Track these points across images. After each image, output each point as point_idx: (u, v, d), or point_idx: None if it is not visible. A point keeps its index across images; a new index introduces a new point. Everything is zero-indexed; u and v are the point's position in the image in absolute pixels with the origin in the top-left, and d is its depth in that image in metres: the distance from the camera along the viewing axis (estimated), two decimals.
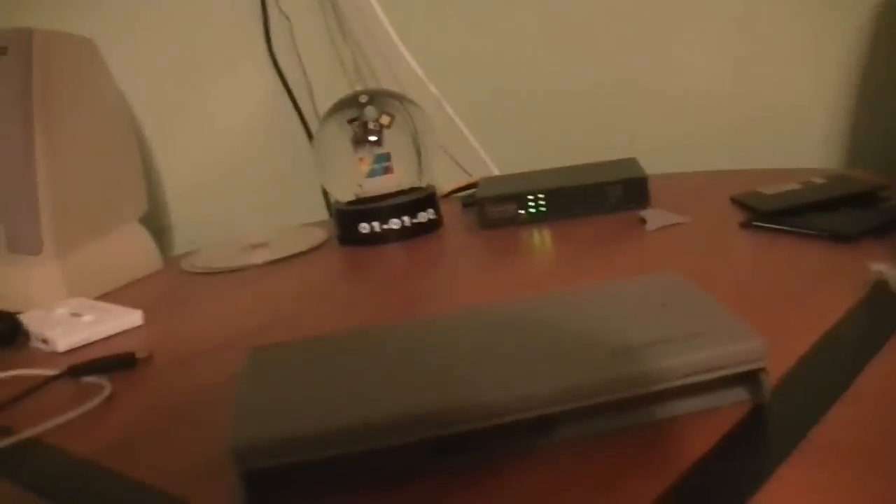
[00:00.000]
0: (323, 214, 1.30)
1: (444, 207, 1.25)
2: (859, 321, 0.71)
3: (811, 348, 0.67)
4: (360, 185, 1.22)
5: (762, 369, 0.59)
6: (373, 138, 1.21)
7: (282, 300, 1.02)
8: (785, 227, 0.96)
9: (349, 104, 1.22)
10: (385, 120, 1.22)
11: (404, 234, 1.18)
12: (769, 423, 0.58)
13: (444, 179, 1.40)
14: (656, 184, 1.19)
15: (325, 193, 1.42)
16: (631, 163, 1.24)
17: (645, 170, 1.20)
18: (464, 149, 1.44)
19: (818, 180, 1.09)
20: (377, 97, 1.23)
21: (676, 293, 0.68)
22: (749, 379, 0.60)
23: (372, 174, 1.22)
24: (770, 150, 1.33)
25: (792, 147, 1.32)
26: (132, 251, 1.21)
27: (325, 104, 1.40)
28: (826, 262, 0.86)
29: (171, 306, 1.06)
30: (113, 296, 1.13)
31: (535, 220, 1.17)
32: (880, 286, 0.77)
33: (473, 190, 1.30)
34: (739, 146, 1.35)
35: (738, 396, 0.61)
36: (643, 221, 1.08)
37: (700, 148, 1.37)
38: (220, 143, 1.45)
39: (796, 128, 1.31)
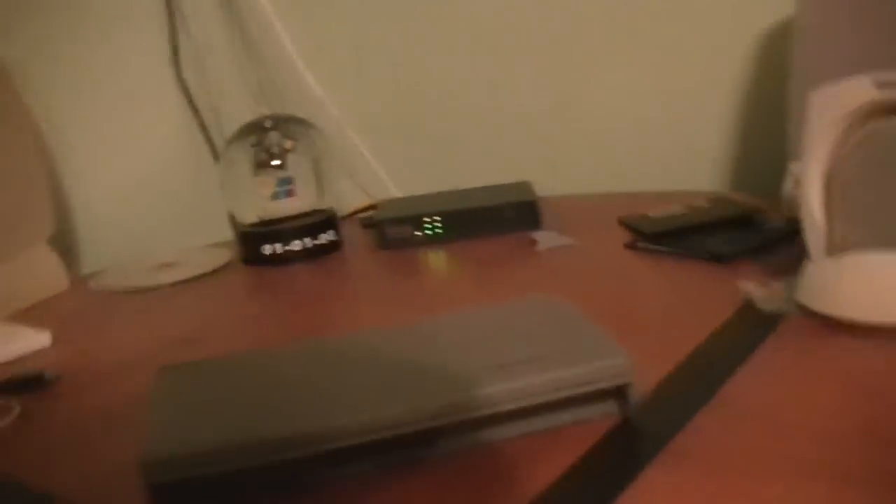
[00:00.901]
0: (229, 234, 1.33)
1: (345, 228, 1.29)
2: (726, 337, 0.77)
3: (680, 363, 0.72)
4: (264, 208, 1.25)
5: (628, 384, 0.64)
6: (276, 162, 1.25)
7: (189, 320, 1.05)
8: (666, 249, 1.01)
9: (253, 129, 1.25)
10: (288, 144, 1.25)
11: (306, 254, 1.22)
12: (635, 433, 0.63)
13: (346, 201, 1.43)
14: (549, 205, 1.24)
15: (231, 215, 1.45)
16: (524, 186, 1.29)
17: (538, 192, 1.25)
18: (365, 171, 1.48)
19: (701, 203, 1.15)
20: (281, 122, 1.26)
21: (551, 314, 0.73)
22: (617, 393, 0.65)
23: (275, 197, 1.25)
24: (661, 172, 1.39)
25: (682, 170, 1.38)
26: (39, 272, 1.23)
27: (231, 126, 1.43)
28: (703, 282, 0.91)
29: (80, 327, 1.08)
30: (19, 317, 1.15)
31: (433, 240, 1.21)
32: (748, 304, 0.82)
33: (373, 212, 1.34)
34: (632, 169, 1.40)
35: (609, 409, 0.66)
36: (535, 242, 1.12)
37: (595, 171, 1.43)
38: (129, 164, 1.48)
39: (686, 151, 1.37)
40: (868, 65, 1.03)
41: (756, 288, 0.84)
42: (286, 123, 1.27)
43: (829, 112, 0.78)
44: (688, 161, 1.39)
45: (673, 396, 0.67)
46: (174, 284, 1.20)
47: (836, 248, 0.78)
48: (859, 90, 0.77)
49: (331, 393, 0.64)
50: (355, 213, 1.42)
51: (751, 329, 0.78)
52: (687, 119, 1.37)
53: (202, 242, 1.38)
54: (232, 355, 0.74)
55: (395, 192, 1.49)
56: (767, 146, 1.28)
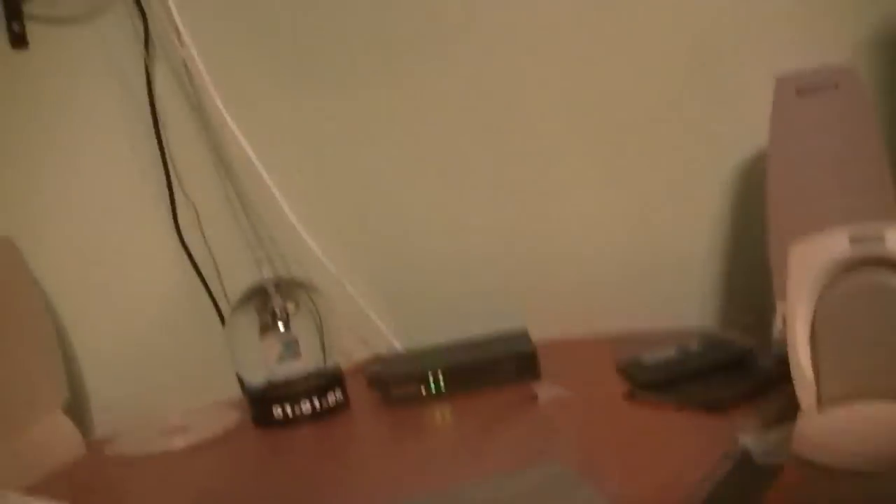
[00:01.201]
0: (236, 391, 1.36)
1: (350, 384, 1.32)
2: (725, 494, 0.80)
3: None
4: (271, 370, 1.28)
5: None
6: (280, 326, 1.28)
7: (206, 485, 1.08)
8: (663, 399, 1.05)
9: (256, 293, 1.30)
10: (291, 307, 1.29)
11: (315, 416, 1.25)
12: None
13: (349, 355, 1.46)
14: (546, 351, 1.27)
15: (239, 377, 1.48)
16: (521, 335, 1.32)
17: (534, 335, 1.30)
18: (364, 324, 1.51)
19: (693, 346, 1.19)
20: (283, 285, 1.31)
21: (559, 486, 0.75)
22: None
23: (281, 360, 1.29)
24: (653, 305, 1.43)
25: (673, 302, 1.42)
26: (56, 440, 1.26)
27: (231, 283, 1.48)
28: (700, 432, 0.95)
29: (99, 496, 1.10)
30: (39, 488, 1.17)
31: (436, 396, 1.24)
32: (745, 456, 0.85)
33: (376, 366, 1.37)
34: (620, 303, 1.44)
35: None
36: (535, 396, 1.16)
37: (588, 304, 1.46)
38: (134, 325, 1.52)
39: (675, 284, 1.41)
40: (840, 190, 1.10)
41: (753, 441, 0.87)
42: (288, 286, 1.32)
43: (807, 267, 0.83)
44: (675, 297, 1.42)
45: None
46: (186, 449, 1.22)
47: (826, 400, 0.82)
48: (834, 245, 0.82)
49: None
50: (359, 367, 1.45)
51: (747, 483, 0.81)
52: (670, 253, 1.42)
53: (211, 400, 1.41)
54: None
55: (396, 342, 1.53)
56: (753, 280, 1.32)
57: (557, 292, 1.48)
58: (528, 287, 1.50)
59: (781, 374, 1.03)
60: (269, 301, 1.29)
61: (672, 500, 0.79)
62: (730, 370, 1.10)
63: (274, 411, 1.25)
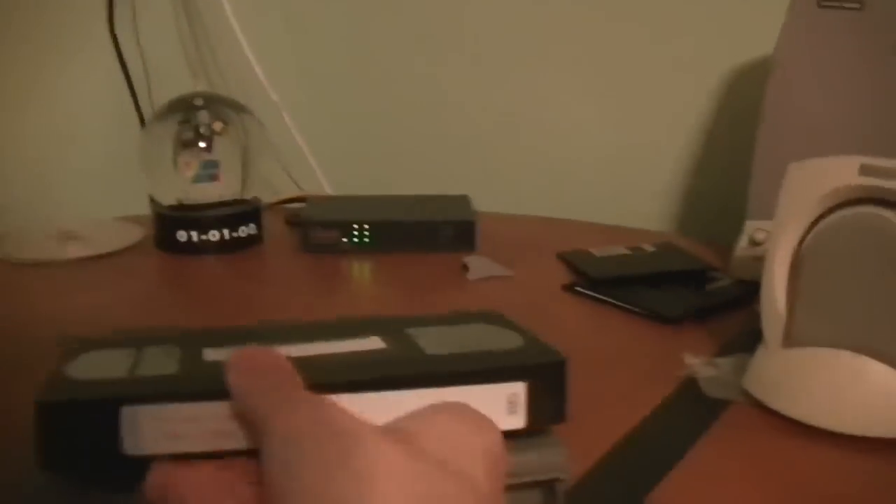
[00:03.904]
0: (145, 208, 1.24)
1: (269, 221, 1.21)
2: (663, 424, 0.70)
3: (611, 452, 0.65)
4: (184, 190, 1.17)
5: (560, 479, 0.57)
6: (202, 144, 1.16)
7: (90, 302, 0.97)
8: (608, 298, 0.94)
9: (183, 105, 1.17)
10: (217, 126, 1.17)
11: (223, 246, 1.14)
12: None
13: (273, 189, 1.35)
14: (487, 224, 1.16)
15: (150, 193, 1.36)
16: (463, 202, 1.21)
17: (477, 207, 1.18)
18: (298, 161, 1.40)
19: (648, 247, 1.09)
20: (213, 101, 1.18)
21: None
22: (544, 485, 0.58)
23: (197, 180, 1.17)
24: (607, 203, 1.33)
25: (630, 203, 1.32)
26: None
27: (161, 94, 1.34)
28: (645, 343, 0.85)
29: None
30: None
31: (359, 249, 1.13)
32: (691, 383, 0.76)
33: (300, 205, 1.26)
34: (577, 195, 1.34)
35: (533, 499, 0.59)
36: (466, 269, 1.06)
37: (538, 192, 1.37)
38: (48, 117, 1.38)
39: (636, 184, 1.32)
40: (844, 121, 0.99)
41: (702, 366, 0.78)
42: (219, 104, 1.19)
43: (806, 190, 0.72)
44: (637, 195, 1.33)
45: (600, 494, 0.61)
46: (77, 260, 1.11)
47: (794, 340, 0.72)
48: (843, 172, 0.71)
49: None
50: (281, 203, 1.34)
51: (692, 417, 0.71)
52: (642, 151, 1.32)
53: (118, 213, 1.29)
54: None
55: (328, 187, 1.42)
56: (724, 195, 1.23)
57: (509, 172, 1.38)
58: (480, 159, 1.40)
59: (739, 297, 0.94)
60: (195, 115, 1.17)
61: (603, 426, 0.69)
62: (684, 282, 0.99)
63: (178, 235, 1.13)
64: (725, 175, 1.24)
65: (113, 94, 1.38)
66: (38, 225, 1.23)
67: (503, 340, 0.60)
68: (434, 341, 0.59)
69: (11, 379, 0.75)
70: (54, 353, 0.60)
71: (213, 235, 1.13)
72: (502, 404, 0.53)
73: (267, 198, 1.26)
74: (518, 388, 0.54)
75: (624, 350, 0.84)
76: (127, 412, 0.48)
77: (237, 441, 0.48)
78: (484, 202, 1.23)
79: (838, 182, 0.71)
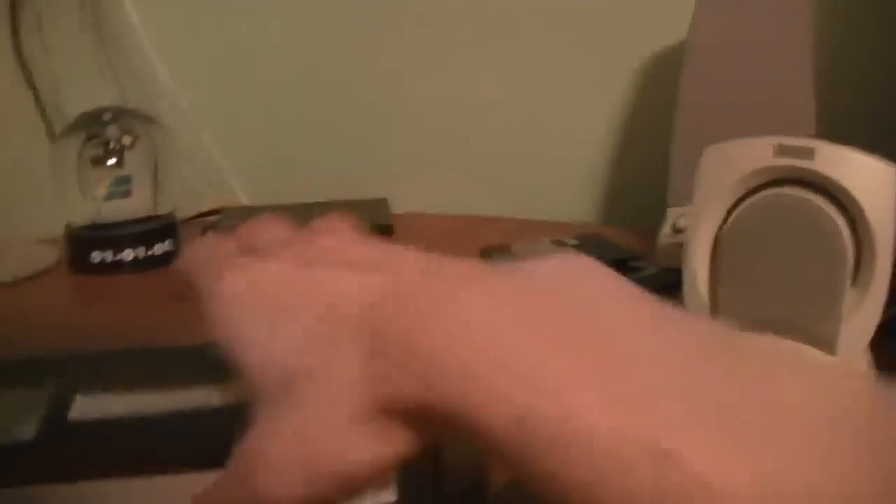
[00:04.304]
0: (56, 229, 1.20)
1: (185, 234, 1.18)
2: None
3: None
4: (97, 209, 1.14)
5: None
6: (113, 160, 1.13)
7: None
8: None
9: (90, 120, 1.14)
10: (127, 140, 1.14)
11: (139, 265, 1.11)
12: None
13: (189, 202, 1.32)
14: (405, 223, 1.15)
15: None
16: (380, 206, 1.20)
17: (395, 207, 1.19)
18: (213, 171, 1.37)
19: (570, 240, 1.07)
20: (121, 115, 1.15)
21: None
22: None
23: (110, 197, 1.14)
24: (525, 195, 1.31)
25: (549, 194, 1.31)
26: None
27: (73, 106, 1.30)
28: None
29: None
30: None
31: None
32: None
33: (217, 217, 1.24)
34: (494, 189, 1.33)
35: None
36: None
37: (456, 188, 1.35)
38: None
39: (556, 177, 1.30)
40: (760, 103, 0.99)
41: None
42: (127, 117, 1.16)
43: (723, 173, 0.72)
44: (558, 187, 1.32)
45: None
46: None
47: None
48: (759, 153, 0.70)
49: None
50: (198, 216, 1.31)
51: None
52: (561, 142, 1.31)
53: (26, 236, 1.25)
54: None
55: (244, 197, 1.39)
56: (646, 183, 1.21)
57: (430, 168, 1.36)
58: (395, 157, 1.38)
59: (666, 285, 0.93)
60: (104, 130, 1.13)
61: None
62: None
63: (92, 256, 1.10)
64: (647, 163, 1.22)
65: (17, 107, 1.34)
66: None
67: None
68: None
69: None
70: None
71: (128, 254, 1.11)
72: None
73: (185, 212, 1.23)
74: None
75: None
76: None
77: None
78: (404, 203, 1.21)
79: (755, 164, 0.70)
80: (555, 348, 0.34)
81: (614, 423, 0.31)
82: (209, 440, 0.45)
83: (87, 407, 0.53)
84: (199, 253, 0.49)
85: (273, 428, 0.38)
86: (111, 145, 1.13)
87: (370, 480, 0.37)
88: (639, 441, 0.31)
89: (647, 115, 1.24)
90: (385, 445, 0.36)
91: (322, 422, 0.37)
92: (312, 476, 0.37)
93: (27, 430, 0.51)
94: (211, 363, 0.54)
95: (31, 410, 0.53)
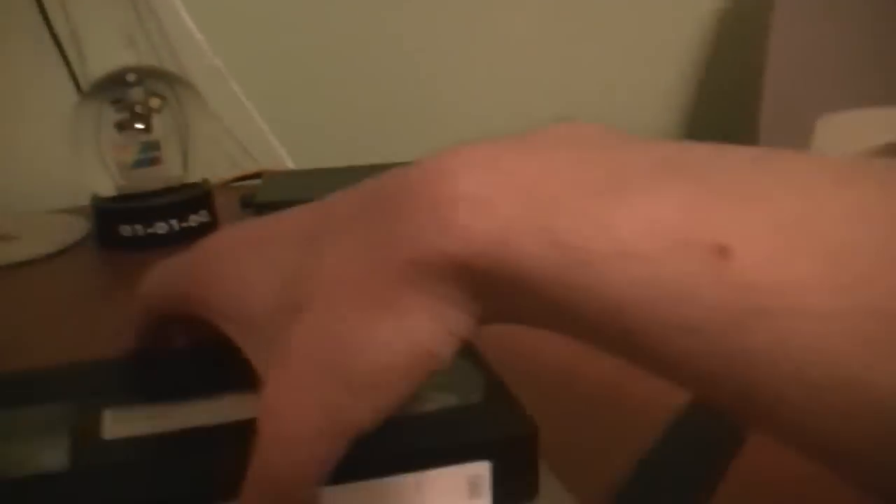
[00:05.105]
0: (82, 199, 1.12)
1: (220, 201, 1.09)
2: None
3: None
4: (124, 177, 1.05)
5: None
6: (139, 125, 1.04)
7: (18, 318, 0.86)
8: None
9: (114, 82, 1.04)
10: (155, 103, 1.04)
11: (172, 239, 1.02)
12: None
13: (224, 167, 1.23)
14: None
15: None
16: None
17: None
18: (249, 133, 1.28)
19: None
20: (148, 75, 1.05)
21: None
22: None
23: (137, 165, 1.05)
24: None
25: None
26: None
27: (95, 66, 1.22)
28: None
29: None
30: None
31: None
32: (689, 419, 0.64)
33: (256, 182, 1.15)
34: None
35: None
36: None
37: None
38: None
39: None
40: (853, 65, 0.89)
41: None
42: (154, 77, 1.06)
43: (845, 147, 0.61)
44: None
45: None
46: (10, 266, 0.99)
47: None
48: (880, 126, 0.60)
49: None
50: (233, 181, 1.22)
51: (696, 456, 0.60)
52: (633, 107, 1.22)
53: (51, 207, 1.17)
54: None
55: (286, 158, 1.30)
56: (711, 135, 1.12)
57: (488, 133, 1.27)
58: (445, 123, 1.29)
59: None
60: (128, 93, 1.04)
61: (590, 462, 0.58)
62: None
63: (122, 229, 1.02)
64: (728, 125, 1.14)
65: (39, 68, 1.25)
66: None
67: (460, 385, 0.50)
68: None
69: None
70: None
71: (161, 228, 1.02)
72: (462, 487, 0.44)
73: (217, 178, 1.15)
74: (481, 469, 0.44)
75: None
76: None
77: None
78: None
79: (877, 138, 0.61)
80: (583, 173, 0.31)
81: (674, 220, 0.28)
82: None
83: (121, 423, 0.47)
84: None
85: (281, 370, 0.35)
86: (137, 108, 1.04)
87: (413, 376, 0.34)
88: (695, 241, 0.28)
89: (728, 76, 1.15)
90: (421, 323, 0.33)
91: (333, 323, 0.34)
92: (347, 390, 0.33)
93: (58, 456, 0.45)
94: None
95: (57, 432, 0.47)
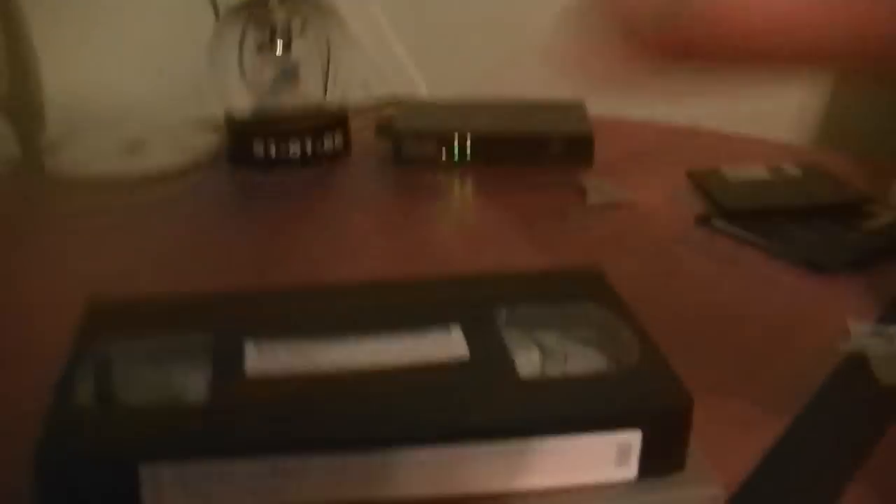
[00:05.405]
0: (216, 114, 1.11)
1: (355, 126, 1.08)
2: (825, 424, 0.56)
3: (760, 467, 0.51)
4: (260, 98, 1.04)
5: None
6: (279, 46, 1.02)
7: (151, 235, 0.86)
8: (749, 236, 0.79)
9: (257, 3, 1.03)
10: (295, 25, 1.03)
11: (305, 160, 1.01)
12: None
13: (362, 91, 1.21)
14: (602, 132, 1.01)
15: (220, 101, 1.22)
16: (577, 110, 1.06)
17: (590, 111, 1.06)
18: (389, 57, 1.26)
19: (791, 169, 0.93)
20: None
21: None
22: None
23: (275, 86, 1.03)
24: (736, 106, 1.16)
25: (759, 108, 1.16)
26: None
27: None
28: (795, 298, 0.70)
29: (10, 232, 0.87)
30: None
31: (459, 163, 1.00)
32: (857, 361, 0.61)
33: (392, 111, 1.13)
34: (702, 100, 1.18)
35: None
36: (583, 191, 0.92)
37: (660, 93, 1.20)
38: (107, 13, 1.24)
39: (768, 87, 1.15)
40: None
41: (871, 338, 0.63)
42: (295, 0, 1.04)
43: None
44: (766, 95, 1.16)
45: None
46: (142, 179, 0.99)
47: None
48: None
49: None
50: (370, 109, 1.20)
51: (865, 405, 0.57)
52: None
53: (188, 114, 1.16)
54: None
55: (423, 86, 1.27)
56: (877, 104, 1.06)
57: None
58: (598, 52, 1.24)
59: None
60: (269, 13, 1.03)
61: (742, 412, 0.55)
62: (835, 218, 0.83)
63: (255, 148, 1.01)
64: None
65: None
66: (99, 132, 1.11)
67: (614, 346, 0.49)
68: (530, 347, 0.49)
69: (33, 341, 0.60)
70: (81, 317, 0.50)
71: (294, 148, 1.01)
72: (611, 454, 0.43)
73: (353, 104, 1.13)
74: (632, 438, 0.43)
75: (772, 310, 0.69)
76: (146, 472, 0.39)
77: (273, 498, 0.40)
78: (598, 105, 1.08)
79: None
80: None
81: None
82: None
83: (264, 359, 0.46)
84: None
85: None
86: (277, 29, 1.02)
87: None
88: None
89: None
90: None
91: None
92: None
93: (196, 389, 0.45)
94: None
95: (196, 364, 0.47)
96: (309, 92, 1.04)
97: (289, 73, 1.03)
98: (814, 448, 0.53)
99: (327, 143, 1.02)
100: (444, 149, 1.00)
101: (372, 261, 0.78)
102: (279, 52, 1.02)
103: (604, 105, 1.10)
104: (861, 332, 0.63)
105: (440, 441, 0.41)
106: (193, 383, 0.46)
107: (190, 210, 0.92)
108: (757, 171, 0.92)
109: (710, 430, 0.45)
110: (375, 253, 0.80)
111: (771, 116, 1.13)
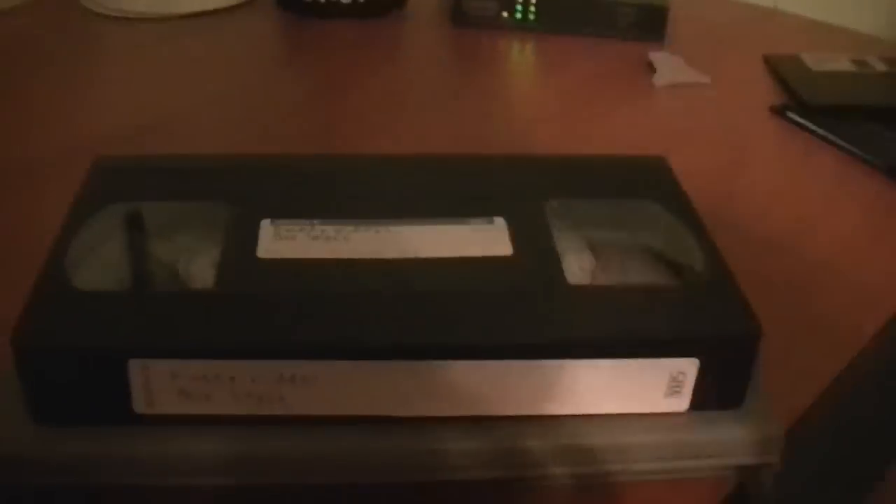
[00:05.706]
0: None
1: None
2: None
3: (826, 395, 0.46)
4: None
5: (767, 465, 0.40)
6: None
7: (184, 81, 0.80)
8: (828, 136, 0.73)
9: None
10: None
11: (356, 10, 0.95)
12: None
13: None
14: (676, 6, 0.94)
15: None
16: None
17: None
18: None
19: (877, 63, 0.86)
20: None
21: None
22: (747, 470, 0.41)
23: None
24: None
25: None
26: None
27: None
28: (873, 211, 0.65)
29: (36, 72, 0.82)
30: None
31: (522, 27, 0.94)
32: None
33: None
34: None
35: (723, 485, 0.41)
36: (651, 68, 0.85)
37: None
38: None
39: None
40: None
41: None
42: None
43: None
44: None
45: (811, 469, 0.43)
46: (181, 17, 0.93)
47: None
48: None
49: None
50: None
51: None
52: None
53: None
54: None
55: None
56: None
57: None
58: None
59: None
60: None
61: (804, 336, 0.50)
62: None
63: None
64: None
65: None
66: None
67: (675, 253, 0.44)
68: (581, 248, 0.44)
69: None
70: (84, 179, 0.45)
71: None
72: (662, 383, 0.38)
73: None
74: (687, 367, 0.38)
75: (849, 221, 0.64)
76: (136, 366, 0.35)
77: (278, 407, 0.36)
78: None
79: None
80: None
81: None
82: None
83: (279, 240, 0.41)
84: None
85: None
86: None
87: None
88: None
89: None
90: None
91: None
92: None
93: (204, 273, 0.41)
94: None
95: (205, 240, 0.42)
96: None
97: None
98: (877, 389, 0.48)
99: None
100: (506, 10, 0.93)
101: (417, 133, 0.73)
102: None
103: None
104: None
105: (467, 356, 0.36)
106: (199, 262, 0.41)
107: (229, 56, 0.87)
108: (841, 63, 0.85)
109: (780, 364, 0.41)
110: (423, 124, 0.74)
111: (858, 4, 1.05)
